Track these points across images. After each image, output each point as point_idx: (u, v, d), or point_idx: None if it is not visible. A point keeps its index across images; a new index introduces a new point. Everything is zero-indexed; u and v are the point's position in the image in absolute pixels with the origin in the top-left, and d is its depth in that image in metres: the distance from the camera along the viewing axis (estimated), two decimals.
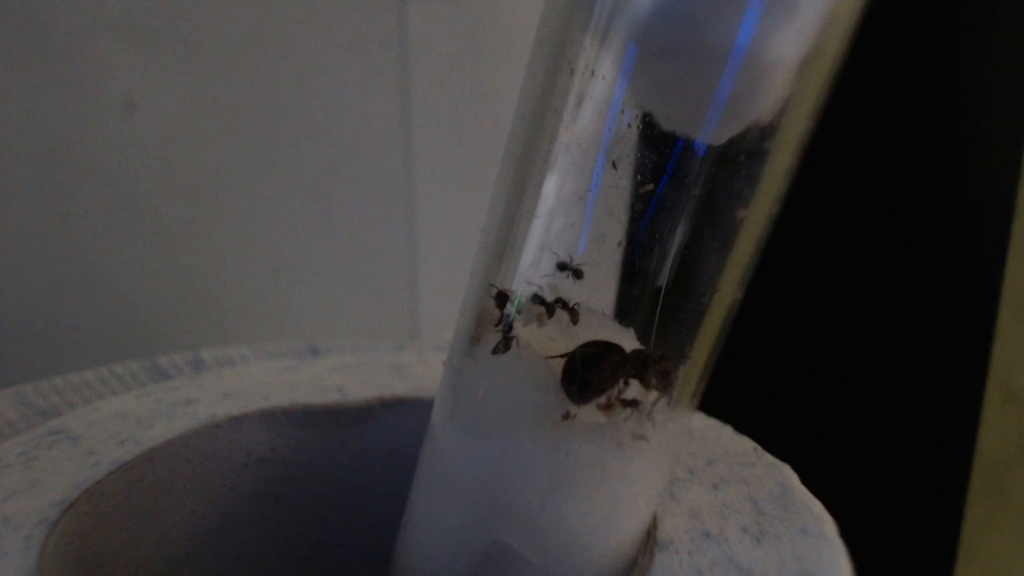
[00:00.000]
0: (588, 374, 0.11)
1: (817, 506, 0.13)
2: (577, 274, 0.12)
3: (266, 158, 0.32)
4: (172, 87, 0.29)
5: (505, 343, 0.12)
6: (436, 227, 0.35)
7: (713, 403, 0.16)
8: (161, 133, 0.29)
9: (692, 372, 0.12)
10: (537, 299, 0.12)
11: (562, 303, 0.12)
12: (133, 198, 0.30)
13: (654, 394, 0.11)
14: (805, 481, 0.15)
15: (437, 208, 0.35)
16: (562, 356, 0.11)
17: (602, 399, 0.11)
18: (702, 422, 0.16)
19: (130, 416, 0.15)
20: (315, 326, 0.34)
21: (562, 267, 0.12)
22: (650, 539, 0.12)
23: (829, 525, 0.12)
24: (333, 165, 0.33)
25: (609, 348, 0.11)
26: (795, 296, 0.41)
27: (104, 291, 0.30)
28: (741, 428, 0.17)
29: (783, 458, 0.15)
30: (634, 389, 0.11)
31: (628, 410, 0.11)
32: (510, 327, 0.12)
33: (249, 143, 0.31)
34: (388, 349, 0.20)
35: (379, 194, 0.34)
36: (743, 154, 0.11)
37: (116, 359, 0.19)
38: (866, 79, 0.37)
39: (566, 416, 0.11)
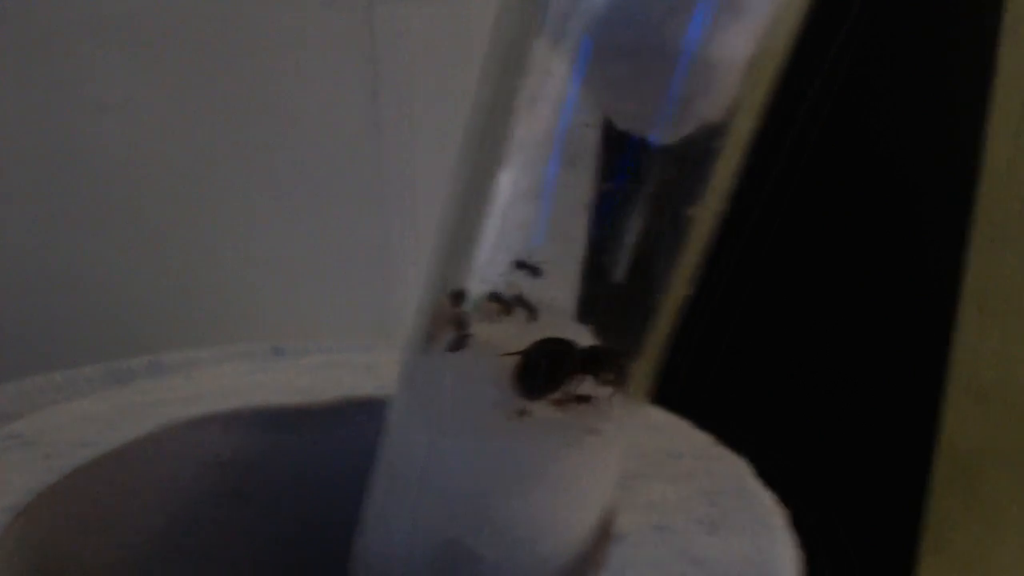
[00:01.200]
0: (541, 370, 0.11)
1: (769, 498, 0.13)
2: (535, 272, 0.12)
3: (237, 158, 0.31)
4: (144, 88, 0.29)
5: (460, 341, 0.12)
6: (408, 226, 0.35)
7: (677, 397, 0.17)
8: (131, 134, 0.29)
9: (645, 367, 0.12)
10: (494, 297, 0.12)
11: (520, 300, 0.12)
12: (99, 199, 0.29)
13: (607, 389, 0.12)
14: (770, 476, 0.15)
15: (409, 207, 0.35)
16: (517, 353, 0.12)
17: (556, 395, 0.11)
18: (662, 417, 0.16)
19: (89, 419, 0.15)
20: (286, 326, 0.34)
21: (520, 265, 0.12)
22: (606, 533, 0.12)
23: (780, 516, 0.13)
24: (304, 165, 0.33)
25: (563, 344, 0.11)
26: (754, 290, 0.41)
27: (64, 293, 0.30)
28: (704, 423, 0.18)
29: (748, 454, 0.16)
30: (588, 385, 0.12)
31: (582, 406, 0.11)
32: (465, 325, 0.12)
33: (219, 144, 0.31)
34: (358, 349, 0.20)
35: (351, 194, 0.34)
36: (696, 153, 0.11)
37: (78, 361, 0.19)
38: (821, 69, 0.38)
39: (521, 413, 0.11)
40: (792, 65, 0.11)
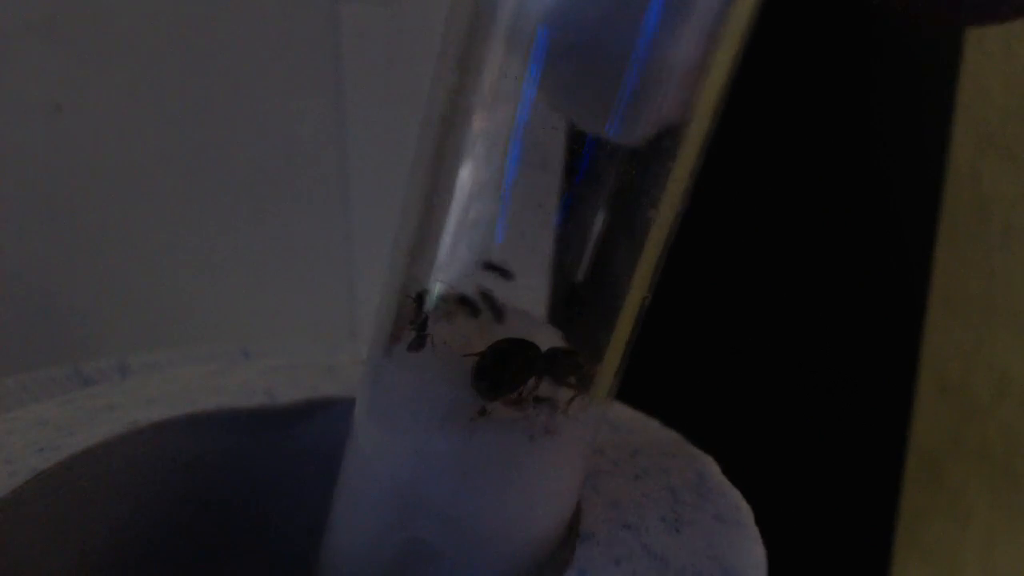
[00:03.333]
0: (498, 371, 0.11)
1: (734, 494, 0.13)
2: (505, 274, 0.12)
3: (196, 159, 0.31)
4: (98, 88, 0.29)
5: (419, 341, 0.12)
6: (373, 227, 0.35)
7: (647, 393, 0.17)
8: (87, 135, 0.29)
9: (607, 368, 0.12)
10: (462, 299, 0.12)
11: (487, 301, 0.12)
12: (59, 201, 0.29)
13: (568, 392, 0.12)
14: (742, 472, 0.15)
15: (374, 208, 0.35)
16: (477, 354, 0.12)
17: (513, 395, 0.11)
18: (629, 415, 0.16)
19: (50, 424, 0.15)
20: (250, 329, 0.34)
21: (488, 266, 0.12)
22: (572, 532, 0.12)
23: (745, 512, 0.13)
24: (266, 166, 0.33)
25: (521, 345, 0.11)
26: (727, 289, 0.41)
27: (28, 296, 0.29)
28: (673, 419, 0.18)
29: (718, 449, 0.16)
30: (547, 387, 0.12)
31: (540, 406, 0.11)
32: (424, 325, 0.12)
33: (178, 144, 0.31)
34: (322, 351, 0.20)
35: (315, 195, 0.34)
36: (654, 154, 0.11)
37: (40, 365, 0.18)
38: (786, 74, 0.38)
39: (480, 413, 0.11)
40: (751, 66, 0.12)
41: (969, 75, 0.39)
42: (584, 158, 0.11)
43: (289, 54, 0.32)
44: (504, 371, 0.11)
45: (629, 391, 0.16)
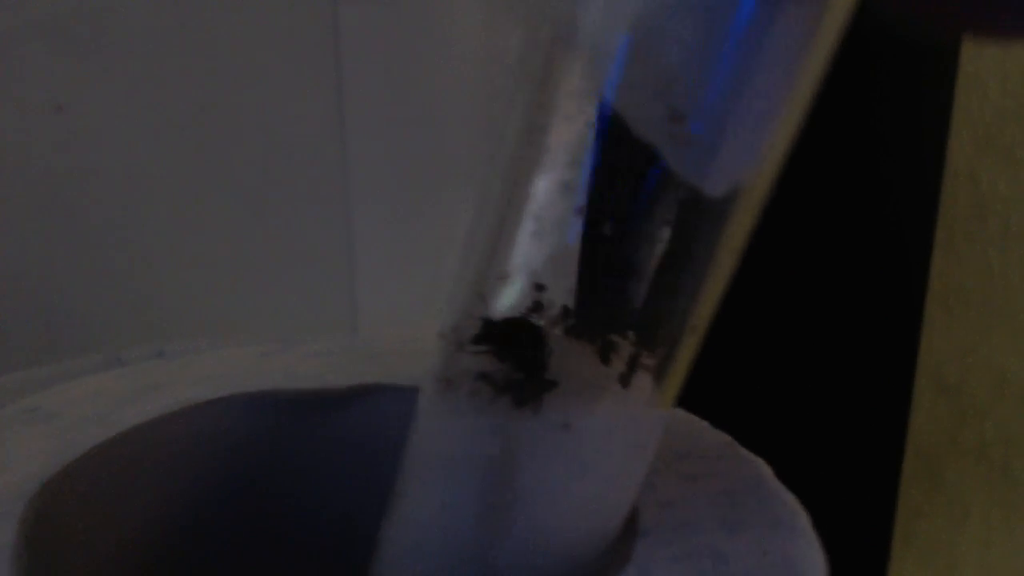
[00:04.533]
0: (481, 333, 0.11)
1: (791, 499, 0.13)
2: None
3: (197, 159, 0.31)
4: (99, 88, 0.28)
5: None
6: (373, 227, 0.35)
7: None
8: (88, 135, 0.29)
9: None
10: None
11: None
12: (60, 201, 0.29)
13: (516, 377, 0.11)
14: None
15: (374, 208, 0.35)
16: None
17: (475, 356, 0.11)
18: (681, 416, 0.16)
19: (106, 395, 0.15)
20: (250, 329, 0.34)
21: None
22: (631, 529, 0.12)
23: (803, 518, 0.13)
24: (267, 166, 0.32)
25: (531, 333, 0.11)
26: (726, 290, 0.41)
27: (27, 295, 0.29)
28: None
29: None
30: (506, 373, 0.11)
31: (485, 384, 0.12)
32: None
33: (179, 144, 0.30)
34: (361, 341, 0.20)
35: (315, 195, 0.34)
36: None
37: (39, 364, 0.18)
38: None
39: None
40: None
41: (967, 75, 0.39)
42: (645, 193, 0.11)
43: (289, 54, 0.32)
44: (491, 334, 0.11)
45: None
